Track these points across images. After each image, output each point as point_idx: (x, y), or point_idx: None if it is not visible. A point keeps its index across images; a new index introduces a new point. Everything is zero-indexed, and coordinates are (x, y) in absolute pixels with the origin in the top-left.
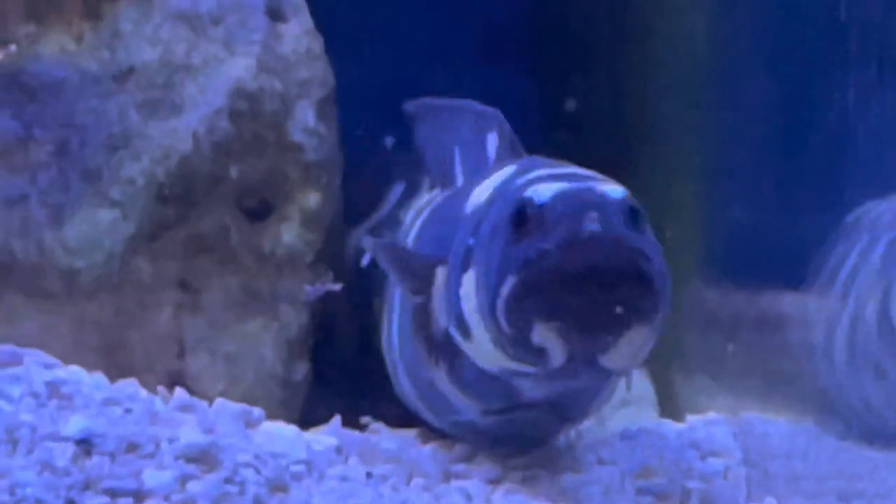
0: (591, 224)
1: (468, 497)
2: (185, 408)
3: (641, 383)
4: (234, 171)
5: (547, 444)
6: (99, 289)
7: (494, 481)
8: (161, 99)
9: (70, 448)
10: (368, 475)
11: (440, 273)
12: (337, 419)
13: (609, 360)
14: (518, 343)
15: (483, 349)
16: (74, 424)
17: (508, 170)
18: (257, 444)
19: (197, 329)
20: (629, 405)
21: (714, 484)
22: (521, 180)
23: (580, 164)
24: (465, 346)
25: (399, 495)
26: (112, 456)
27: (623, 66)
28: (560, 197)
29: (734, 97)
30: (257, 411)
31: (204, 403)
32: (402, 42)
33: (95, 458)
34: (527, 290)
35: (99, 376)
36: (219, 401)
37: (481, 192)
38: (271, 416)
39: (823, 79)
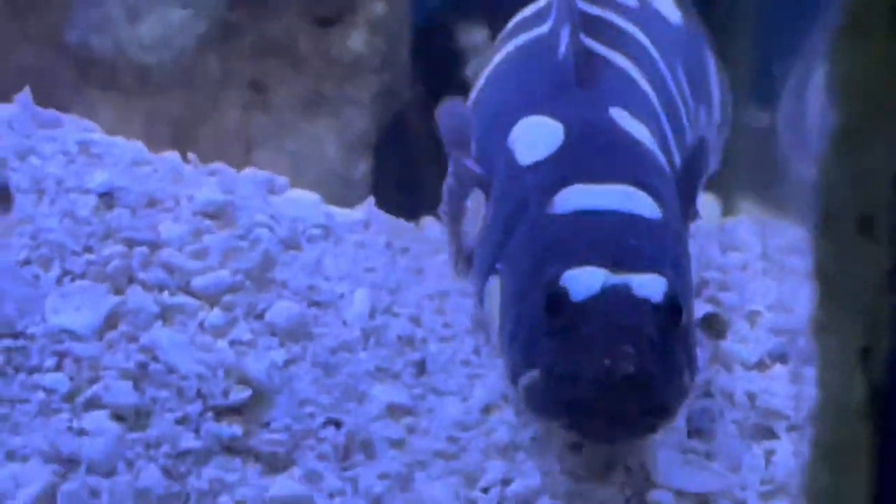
0: (626, 362)
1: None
2: (211, 172)
3: (708, 204)
4: None
5: None
6: (171, 84)
7: None
8: None
9: (93, 200)
10: (388, 245)
11: (477, 195)
12: (370, 199)
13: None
14: (533, 414)
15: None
16: (99, 178)
17: (560, 137)
18: (276, 207)
19: (264, 127)
20: None
21: (731, 274)
22: (562, 201)
23: None
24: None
25: (416, 262)
26: (132, 209)
27: None
28: (599, 302)
29: None
30: (282, 180)
31: (232, 170)
32: None
33: (116, 211)
34: (548, 393)
35: (137, 144)
36: (247, 169)
37: (522, 132)
38: None
39: None
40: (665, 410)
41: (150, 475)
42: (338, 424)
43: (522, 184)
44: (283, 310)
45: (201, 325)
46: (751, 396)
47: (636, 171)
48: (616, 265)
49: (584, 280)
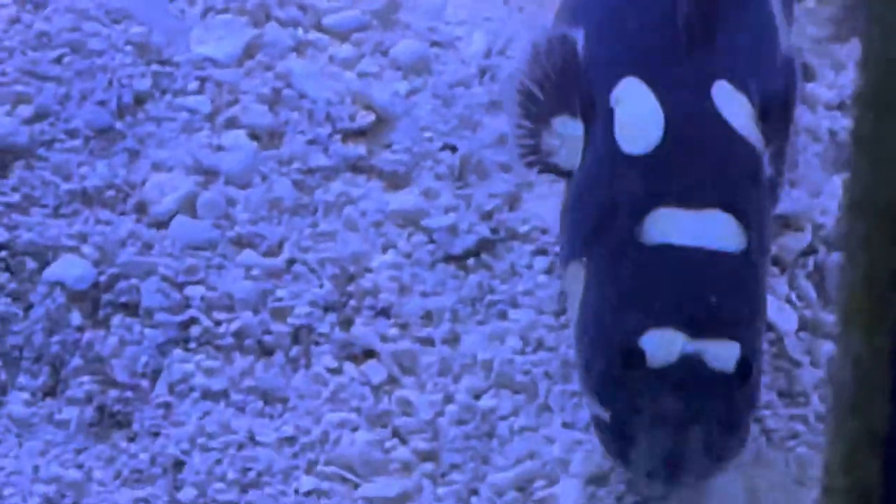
0: (691, 446)
1: None
2: None
3: None
4: None
5: None
6: None
7: None
8: None
9: None
10: (506, 1)
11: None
12: None
13: None
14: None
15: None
16: None
17: (659, 129)
18: None
19: None
20: None
21: (823, 45)
22: (651, 228)
23: None
24: None
25: (531, 19)
26: None
27: None
28: (674, 372)
29: None
30: None
31: None
32: None
33: None
34: (615, 443)
35: None
36: None
37: (626, 98)
38: None
39: None
40: (724, 465)
41: (283, 187)
42: (454, 149)
43: (618, 181)
44: (406, 47)
45: (331, 58)
46: (832, 133)
47: (727, 187)
48: (694, 329)
49: (662, 346)
